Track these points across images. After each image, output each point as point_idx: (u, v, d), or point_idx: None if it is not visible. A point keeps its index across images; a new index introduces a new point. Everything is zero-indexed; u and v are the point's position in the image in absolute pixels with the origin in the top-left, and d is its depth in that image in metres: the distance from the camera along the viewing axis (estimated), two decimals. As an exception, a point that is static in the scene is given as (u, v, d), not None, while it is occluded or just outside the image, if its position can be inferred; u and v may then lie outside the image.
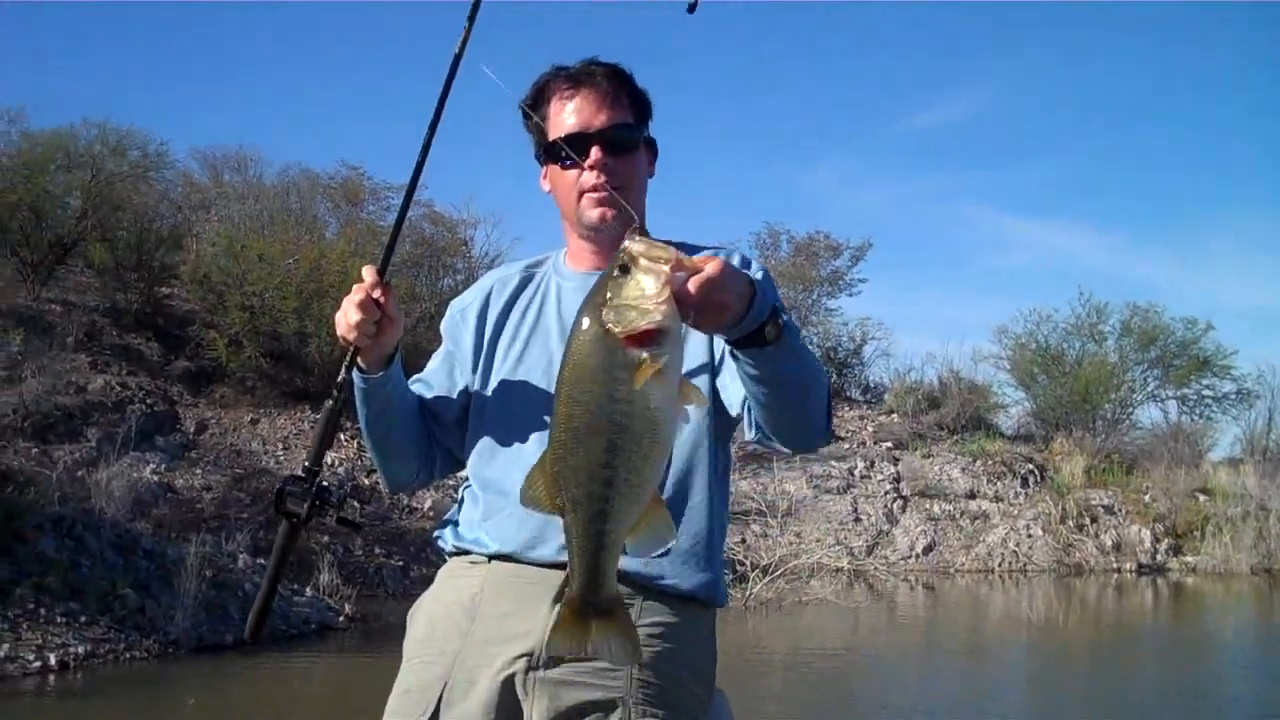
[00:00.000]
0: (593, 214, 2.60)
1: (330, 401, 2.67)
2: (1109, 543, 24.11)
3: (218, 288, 20.52)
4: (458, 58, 2.61)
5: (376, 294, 2.51)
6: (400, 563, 17.03)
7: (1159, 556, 24.08)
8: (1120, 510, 24.81)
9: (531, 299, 2.73)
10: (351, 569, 16.11)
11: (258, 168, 26.05)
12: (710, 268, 1.86)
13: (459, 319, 2.80)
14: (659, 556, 2.37)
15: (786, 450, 2.43)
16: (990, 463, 25.77)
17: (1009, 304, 69.86)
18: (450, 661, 2.43)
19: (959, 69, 57.53)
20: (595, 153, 2.56)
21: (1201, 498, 25.24)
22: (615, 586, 1.99)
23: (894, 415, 28.24)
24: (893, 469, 25.25)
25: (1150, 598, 20.99)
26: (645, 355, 1.82)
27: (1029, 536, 23.86)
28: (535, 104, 2.67)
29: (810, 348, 2.34)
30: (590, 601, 1.97)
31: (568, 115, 2.60)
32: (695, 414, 2.46)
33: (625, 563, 2.35)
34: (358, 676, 11.34)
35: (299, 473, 2.63)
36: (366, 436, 2.70)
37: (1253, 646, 15.70)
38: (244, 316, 19.92)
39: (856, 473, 24.85)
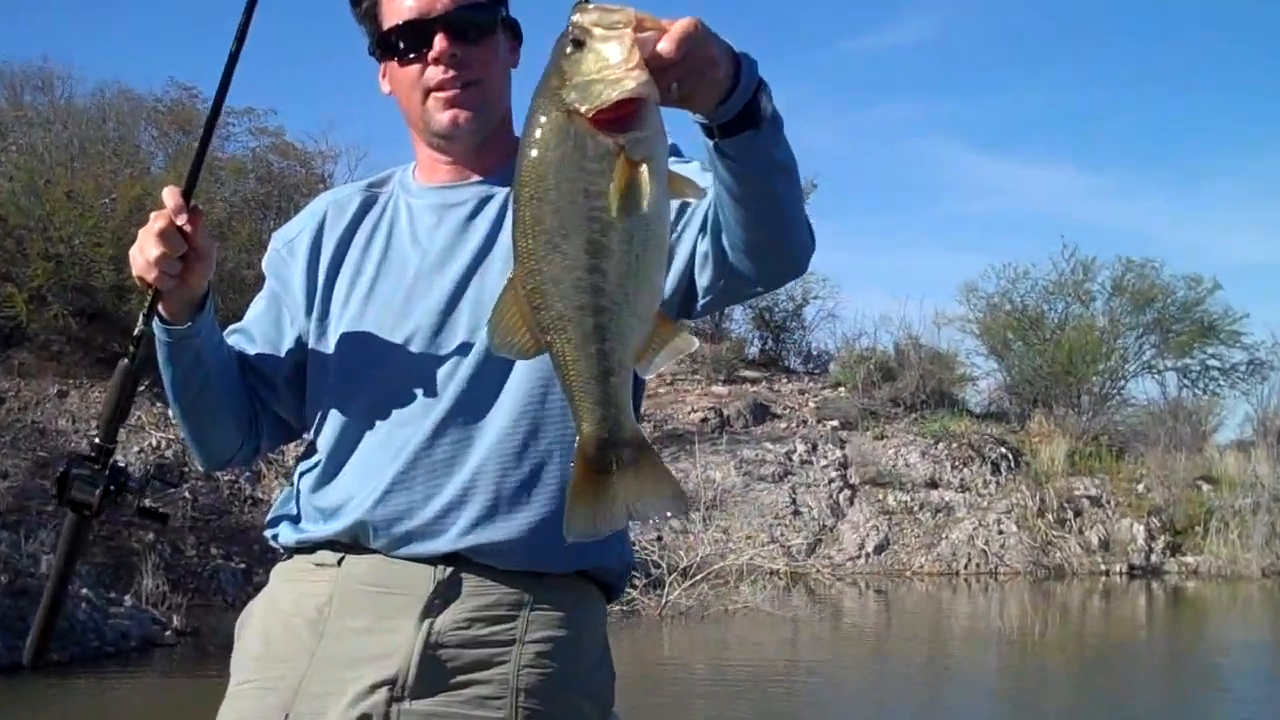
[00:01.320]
0: (442, 117, 2.49)
1: (125, 360, 2.53)
2: (1095, 540, 24.36)
3: (16, 232, 20.19)
4: None
5: (180, 220, 2.36)
6: (242, 565, 16.91)
7: (1154, 557, 24.33)
8: (1109, 502, 25.07)
9: (377, 223, 2.63)
10: (181, 573, 15.98)
11: (66, 87, 25.52)
12: (683, 20, 1.78)
13: (285, 254, 2.69)
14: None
15: (762, 287, 2.31)
16: (955, 445, 25.92)
17: (978, 257, 70.78)
18: (293, 687, 2.36)
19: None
20: (440, 42, 2.44)
21: (1205, 487, 25.54)
22: (635, 423, 1.91)
23: (841, 389, 28.38)
24: (839, 453, 25.36)
25: (1143, 605, 21.28)
26: (621, 141, 1.73)
27: (1000, 533, 24.08)
28: None
29: None
30: (609, 444, 1.88)
31: None
32: None
33: (506, 540, 2.34)
34: (187, 702, 11.23)
35: (88, 450, 2.49)
36: (174, 403, 2.60)
37: (1266, 666, 15.88)
38: (48, 267, 19.61)
39: (795, 457, 24.96)
